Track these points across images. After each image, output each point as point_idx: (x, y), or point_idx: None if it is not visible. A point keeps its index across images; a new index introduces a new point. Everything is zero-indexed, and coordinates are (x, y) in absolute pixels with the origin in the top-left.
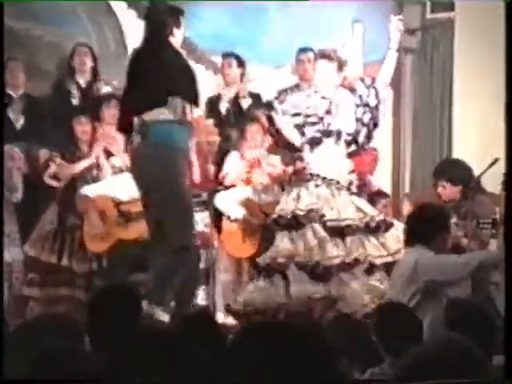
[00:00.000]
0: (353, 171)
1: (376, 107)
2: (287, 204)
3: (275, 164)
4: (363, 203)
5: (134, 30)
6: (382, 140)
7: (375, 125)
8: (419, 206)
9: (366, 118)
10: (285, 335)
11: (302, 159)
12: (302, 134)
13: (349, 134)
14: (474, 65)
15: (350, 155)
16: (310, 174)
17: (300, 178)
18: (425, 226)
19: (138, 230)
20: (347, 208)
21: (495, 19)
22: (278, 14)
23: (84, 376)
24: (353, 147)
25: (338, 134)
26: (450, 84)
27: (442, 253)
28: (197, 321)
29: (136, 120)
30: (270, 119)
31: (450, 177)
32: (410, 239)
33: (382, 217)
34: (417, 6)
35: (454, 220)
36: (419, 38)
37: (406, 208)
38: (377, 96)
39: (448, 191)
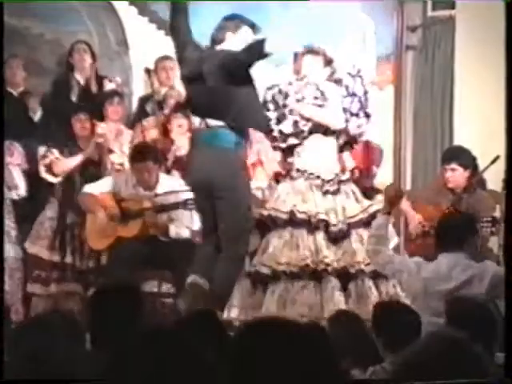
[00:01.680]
0: (354, 168)
1: (364, 95)
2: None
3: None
4: (335, 204)
5: (135, 27)
6: (383, 136)
7: (367, 114)
8: (447, 213)
9: (355, 107)
10: (286, 332)
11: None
12: (297, 127)
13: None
14: (475, 62)
15: (344, 149)
16: (297, 170)
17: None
18: (456, 233)
19: (138, 227)
20: (321, 204)
21: (495, 17)
22: (278, 13)
23: (84, 376)
24: (343, 137)
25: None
26: (450, 80)
27: (474, 255)
28: (200, 319)
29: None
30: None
31: (461, 160)
32: (445, 245)
33: (341, 225)
34: (418, 3)
35: None
36: (420, 36)
37: (405, 205)
38: (362, 84)
39: (458, 175)
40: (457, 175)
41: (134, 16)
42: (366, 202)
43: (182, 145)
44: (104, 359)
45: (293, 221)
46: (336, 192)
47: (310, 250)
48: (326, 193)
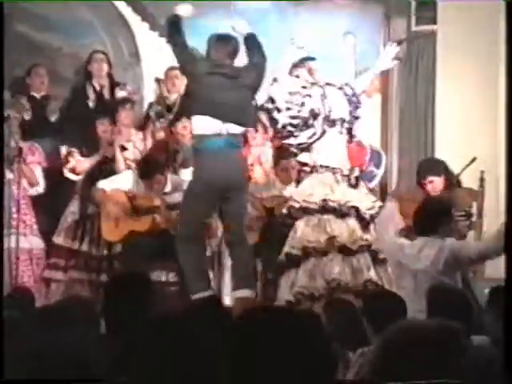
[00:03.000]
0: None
1: (359, 103)
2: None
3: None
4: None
5: (146, 41)
6: (372, 139)
7: (357, 118)
8: (425, 200)
9: (354, 113)
10: (281, 320)
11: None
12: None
13: (349, 123)
14: (454, 72)
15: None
16: (320, 166)
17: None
18: (431, 218)
19: (149, 222)
20: (348, 194)
21: (473, 31)
22: (275, 25)
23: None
24: (347, 137)
25: (342, 123)
26: (432, 89)
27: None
28: (204, 307)
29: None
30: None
31: (434, 170)
32: (422, 230)
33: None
34: (403, 19)
35: None
36: (405, 48)
37: (390, 204)
38: (358, 99)
39: (436, 184)
40: (436, 185)
41: (145, 31)
42: (373, 198)
43: (186, 145)
44: (118, 343)
45: (322, 209)
46: (355, 186)
47: (340, 232)
48: (349, 185)
